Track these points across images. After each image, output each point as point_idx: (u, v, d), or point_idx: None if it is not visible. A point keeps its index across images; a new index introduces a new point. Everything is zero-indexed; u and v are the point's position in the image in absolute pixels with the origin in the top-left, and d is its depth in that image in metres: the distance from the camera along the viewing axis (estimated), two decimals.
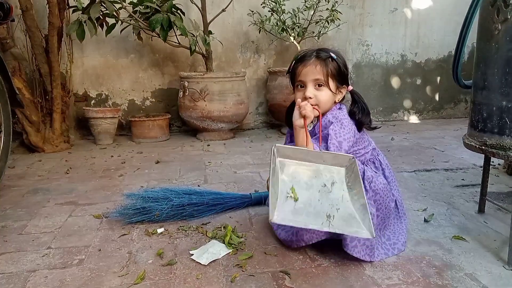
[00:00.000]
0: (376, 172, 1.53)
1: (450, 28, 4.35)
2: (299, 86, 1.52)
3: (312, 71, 1.47)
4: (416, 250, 1.53)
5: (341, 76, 1.51)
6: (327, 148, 1.40)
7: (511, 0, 1.35)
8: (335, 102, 1.53)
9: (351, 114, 1.53)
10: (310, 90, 1.48)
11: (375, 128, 1.60)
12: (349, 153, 1.49)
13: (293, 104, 1.62)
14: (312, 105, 1.45)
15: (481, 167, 2.54)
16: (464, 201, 2.03)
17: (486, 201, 1.83)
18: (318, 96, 1.47)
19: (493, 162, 2.55)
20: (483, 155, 1.72)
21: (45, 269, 1.44)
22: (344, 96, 1.56)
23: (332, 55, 1.49)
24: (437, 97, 4.58)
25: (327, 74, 1.47)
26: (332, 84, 1.49)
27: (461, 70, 1.71)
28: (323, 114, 1.51)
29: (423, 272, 1.38)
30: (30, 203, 2.11)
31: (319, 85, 1.48)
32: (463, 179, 2.37)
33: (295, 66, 1.53)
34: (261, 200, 1.95)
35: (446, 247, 1.55)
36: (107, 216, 1.89)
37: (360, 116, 1.52)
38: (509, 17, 1.37)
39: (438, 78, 4.53)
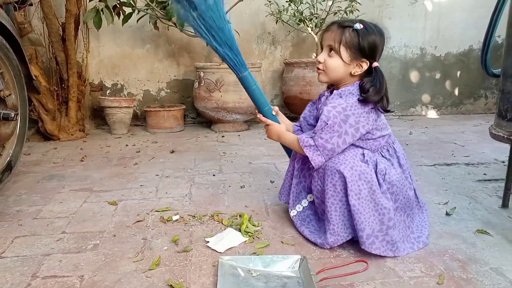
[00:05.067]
0: (389, 160, 1.47)
1: (471, 21, 4.23)
2: (321, 51, 1.54)
3: (328, 37, 1.47)
4: (438, 243, 1.48)
5: (356, 48, 1.43)
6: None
7: None
8: (351, 73, 1.47)
9: (361, 90, 1.46)
10: (322, 55, 1.49)
11: (388, 111, 1.52)
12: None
13: None
14: (320, 69, 1.50)
15: (503, 162, 2.48)
16: (486, 195, 1.97)
17: (511, 195, 1.77)
18: (327, 61, 1.47)
19: None
20: (506, 150, 1.65)
21: (59, 253, 1.43)
22: (371, 71, 1.47)
23: (357, 26, 1.42)
24: (456, 92, 4.48)
25: (340, 42, 1.43)
26: (344, 53, 1.43)
27: (491, 58, 1.64)
28: (337, 85, 1.52)
29: (446, 265, 1.33)
30: (45, 189, 2.11)
31: (332, 52, 1.47)
32: (485, 174, 2.30)
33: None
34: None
35: (469, 241, 1.50)
36: (122, 202, 1.87)
37: (370, 92, 1.43)
38: None
39: (458, 73, 4.43)
